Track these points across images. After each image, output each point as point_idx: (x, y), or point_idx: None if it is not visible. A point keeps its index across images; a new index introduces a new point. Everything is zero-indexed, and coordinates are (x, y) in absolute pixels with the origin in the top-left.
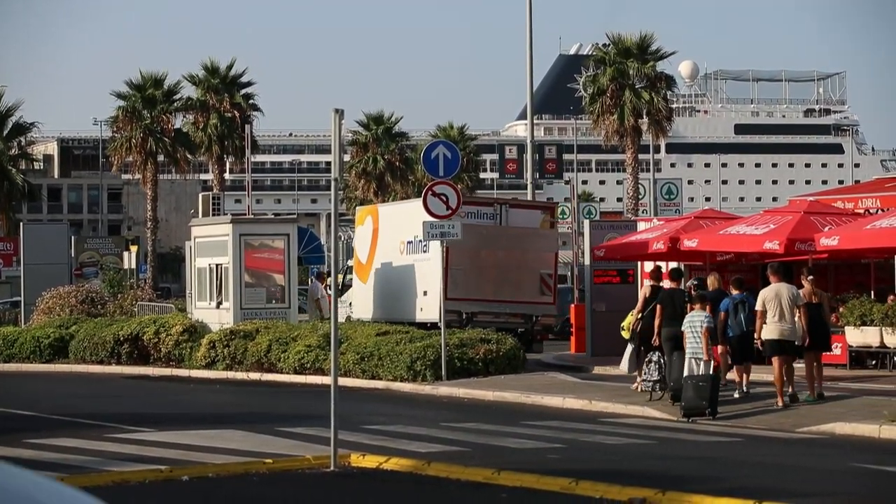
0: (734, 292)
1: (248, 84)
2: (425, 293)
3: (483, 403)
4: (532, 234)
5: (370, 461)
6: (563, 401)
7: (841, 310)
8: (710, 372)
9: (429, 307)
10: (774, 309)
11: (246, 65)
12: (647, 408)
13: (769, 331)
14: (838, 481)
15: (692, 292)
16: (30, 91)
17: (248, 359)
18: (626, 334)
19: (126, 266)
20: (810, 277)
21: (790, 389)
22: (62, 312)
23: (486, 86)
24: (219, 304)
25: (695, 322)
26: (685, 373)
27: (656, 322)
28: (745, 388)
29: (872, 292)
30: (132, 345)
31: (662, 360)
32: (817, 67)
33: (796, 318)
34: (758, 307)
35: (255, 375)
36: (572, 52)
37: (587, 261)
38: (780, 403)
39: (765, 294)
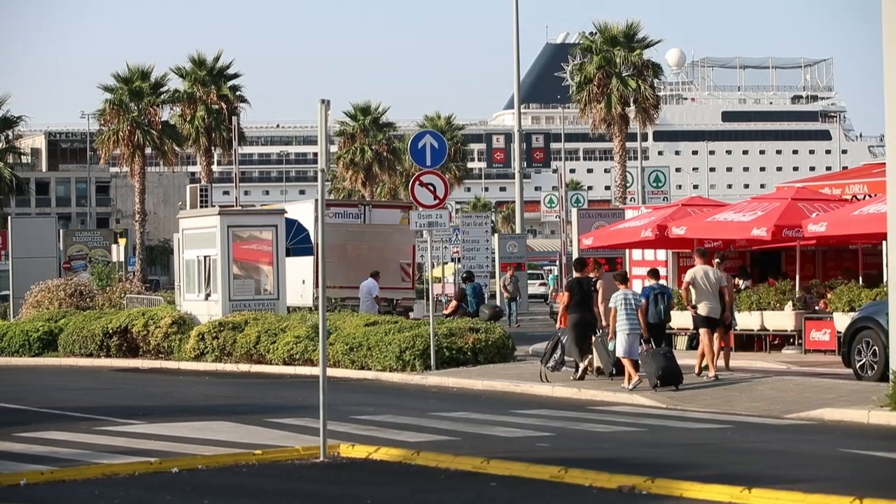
0: (651, 282)
1: (235, 76)
2: (304, 282)
3: (472, 393)
4: (392, 229)
5: (359, 451)
6: (553, 389)
7: (829, 295)
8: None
9: (307, 294)
10: (701, 287)
11: (232, 56)
12: (636, 395)
13: (700, 308)
14: (827, 466)
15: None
16: (17, 85)
17: (237, 350)
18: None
19: (115, 259)
20: (716, 261)
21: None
22: (51, 306)
23: (474, 75)
24: (207, 295)
25: (629, 299)
26: (627, 349)
27: (561, 308)
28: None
29: (860, 278)
30: (121, 337)
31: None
32: (804, 54)
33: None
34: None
35: (244, 367)
36: (559, 40)
37: (575, 249)
38: (711, 374)
39: (692, 273)
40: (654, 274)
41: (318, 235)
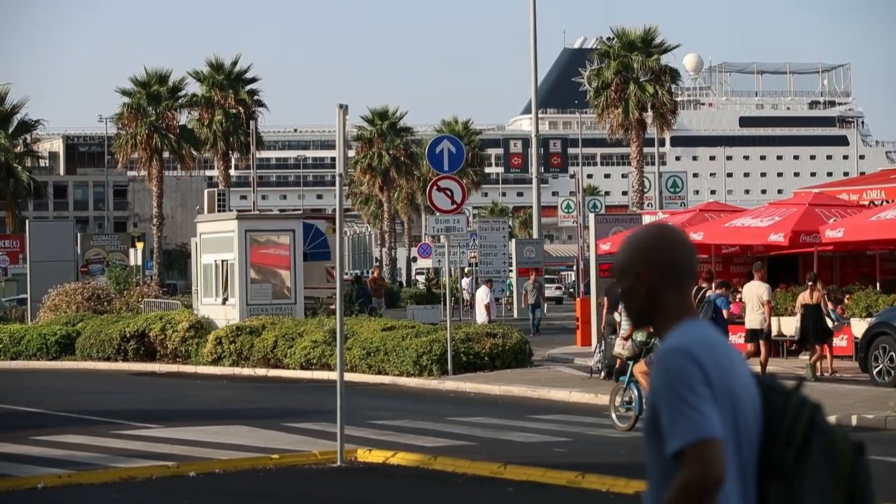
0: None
1: (253, 80)
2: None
3: (489, 398)
4: None
5: (376, 456)
6: (569, 394)
7: (846, 301)
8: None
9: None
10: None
11: (250, 61)
12: None
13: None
14: None
15: None
16: (35, 88)
17: (254, 355)
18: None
19: (132, 263)
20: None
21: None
22: (68, 309)
23: (491, 80)
24: (225, 300)
25: None
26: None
27: (604, 311)
28: None
29: (878, 284)
30: (139, 341)
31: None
32: (822, 59)
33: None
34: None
35: (261, 371)
36: (576, 45)
37: (592, 255)
38: None
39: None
40: (720, 285)
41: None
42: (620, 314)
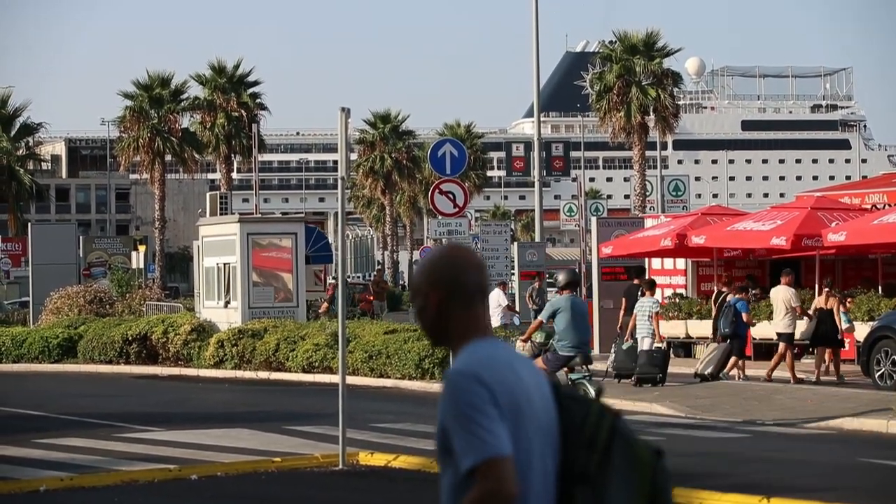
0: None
1: (255, 83)
2: None
3: None
4: None
5: (379, 459)
6: None
7: (849, 305)
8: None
9: None
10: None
11: (253, 64)
12: (654, 404)
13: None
14: (846, 476)
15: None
16: (37, 92)
17: (256, 358)
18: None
19: (134, 266)
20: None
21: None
22: (70, 312)
23: (493, 84)
24: (227, 303)
25: (644, 307)
26: (639, 348)
27: (621, 313)
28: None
29: (880, 287)
30: (141, 344)
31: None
32: (824, 63)
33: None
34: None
35: (263, 374)
36: (579, 49)
37: (594, 258)
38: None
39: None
40: (740, 290)
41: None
42: (637, 319)
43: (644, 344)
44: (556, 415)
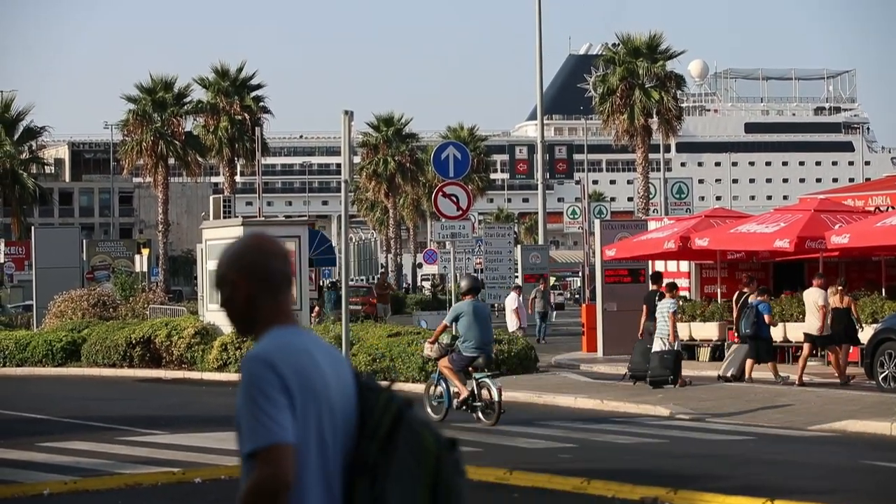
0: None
1: (258, 86)
2: None
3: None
4: None
5: None
6: (575, 400)
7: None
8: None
9: None
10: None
11: (256, 67)
12: (658, 407)
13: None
14: (850, 479)
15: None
16: (40, 95)
17: None
18: None
19: (138, 269)
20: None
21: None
22: (74, 316)
23: (497, 86)
24: None
25: (663, 308)
26: (654, 349)
27: (642, 318)
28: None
29: (883, 290)
30: (144, 347)
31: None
32: (827, 65)
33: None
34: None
35: None
36: (582, 52)
37: (598, 261)
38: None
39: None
40: (761, 291)
41: (342, 247)
42: (657, 321)
43: (658, 344)
44: (355, 402)
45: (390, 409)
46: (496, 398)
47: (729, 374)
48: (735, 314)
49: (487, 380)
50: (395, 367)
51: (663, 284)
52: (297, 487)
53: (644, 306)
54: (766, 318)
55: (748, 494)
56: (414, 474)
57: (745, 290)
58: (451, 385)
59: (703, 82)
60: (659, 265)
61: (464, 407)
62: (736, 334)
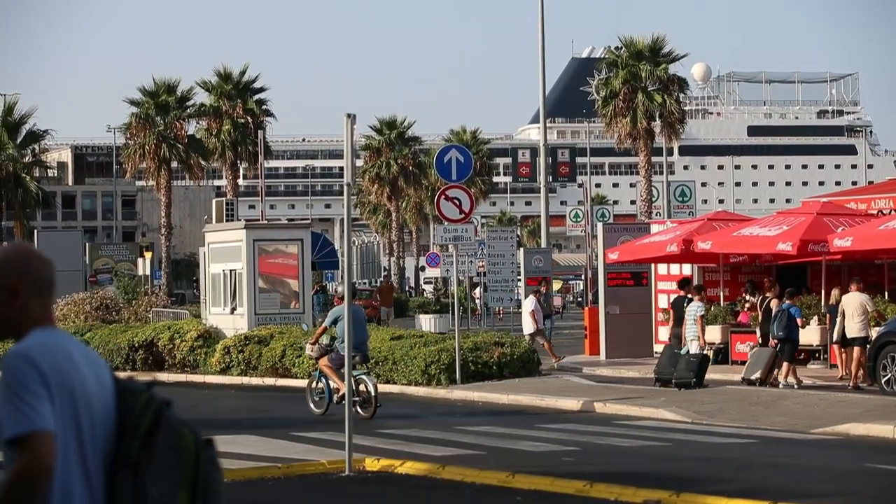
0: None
1: (261, 90)
2: None
3: (498, 407)
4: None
5: (385, 465)
6: (578, 403)
7: None
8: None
9: None
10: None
11: (258, 70)
12: (661, 410)
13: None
14: (852, 482)
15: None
16: (43, 98)
17: (262, 364)
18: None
19: (140, 272)
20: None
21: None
22: (77, 319)
23: (499, 90)
24: (233, 309)
25: (691, 312)
26: (684, 351)
27: (670, 324)
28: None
29: (886, 293)
30: (147, 351)
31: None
32: (830, 69)
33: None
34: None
35: (269, 380)
36: (584, 55)
37: (601, 264)
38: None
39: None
40: (790, 294)
41: (345, 251)
42: (686, 324)
43: (692, 347)
44: (113, 403)
45: (150, 408)
46: (373, 392)
47: (753, 378)
48: (759, 318)
49: (364, 376)
50: (397, 369)
51: (692, 289)
52: (59, 475)
53: (671, 311)
54: (799, 321)
55: (751, 498)
56: (174, 469)
57: (768, 294)
58: (331, 382)
59: (705, 85)
60: (661, 268)
61: (342, 401)
62: (759, 338)
